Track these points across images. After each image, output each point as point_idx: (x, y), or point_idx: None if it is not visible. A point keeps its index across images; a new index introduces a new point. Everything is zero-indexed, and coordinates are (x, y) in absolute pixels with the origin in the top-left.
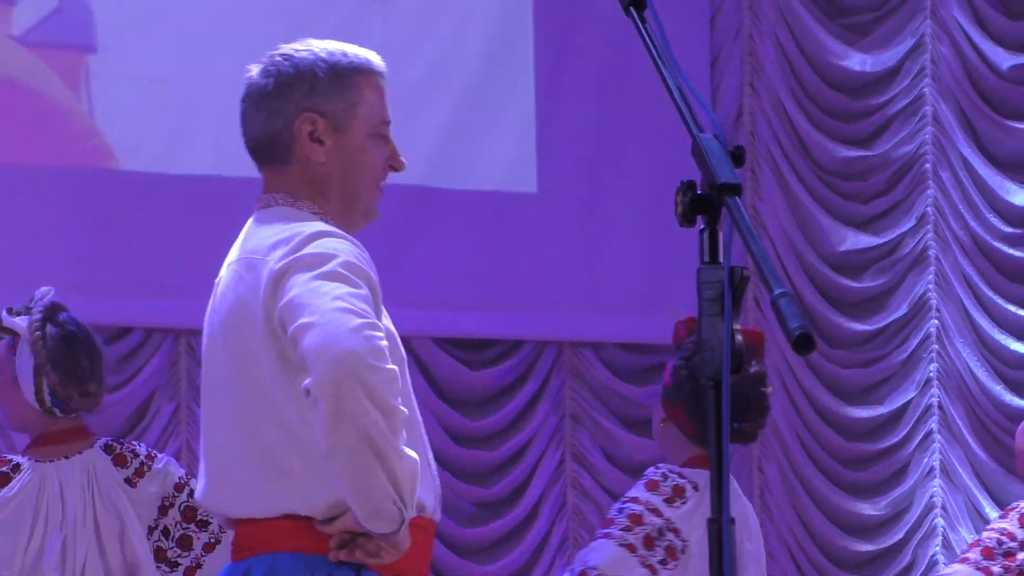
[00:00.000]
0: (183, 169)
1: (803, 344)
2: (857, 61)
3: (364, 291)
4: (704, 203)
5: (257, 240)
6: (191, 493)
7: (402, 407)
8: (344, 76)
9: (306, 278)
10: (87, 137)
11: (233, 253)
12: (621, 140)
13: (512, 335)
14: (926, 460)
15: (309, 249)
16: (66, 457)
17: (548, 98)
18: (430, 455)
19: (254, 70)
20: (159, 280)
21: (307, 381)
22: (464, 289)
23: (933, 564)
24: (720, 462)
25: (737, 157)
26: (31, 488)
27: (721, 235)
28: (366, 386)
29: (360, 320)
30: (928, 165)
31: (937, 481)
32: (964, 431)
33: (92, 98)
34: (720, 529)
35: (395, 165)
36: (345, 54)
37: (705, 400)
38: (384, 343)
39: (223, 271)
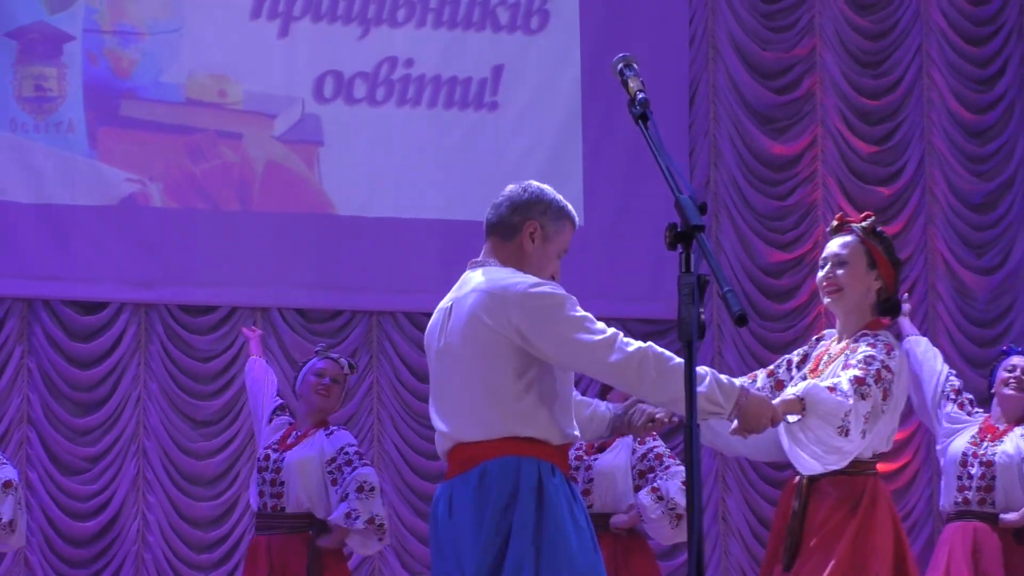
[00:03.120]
0: (376, 213)
1: (740, 320)
2: (778, 150)
3: (580, 311)
4: (682, 236)
5: (487, 281)
6: None
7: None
8: (561, 213)
9: (552, 312)
10: (318, 195)
11: (461, 289)
12: (636, 196)
13: None
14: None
15: (539, 289)
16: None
17: (592, 171)
18: (572, 395)
19: (510, 187)
20: (360, 277)
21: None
22: None
23: None
24: (691, 386)
25: (703, 208)
26: None
27: (692, 256)
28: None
29: (601, 336)
30: (820, 211)
31: None
32: None
33: (321, 172)
34: (691, 433)
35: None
36: (566, 204)
37: None
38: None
39: (451, 301)
